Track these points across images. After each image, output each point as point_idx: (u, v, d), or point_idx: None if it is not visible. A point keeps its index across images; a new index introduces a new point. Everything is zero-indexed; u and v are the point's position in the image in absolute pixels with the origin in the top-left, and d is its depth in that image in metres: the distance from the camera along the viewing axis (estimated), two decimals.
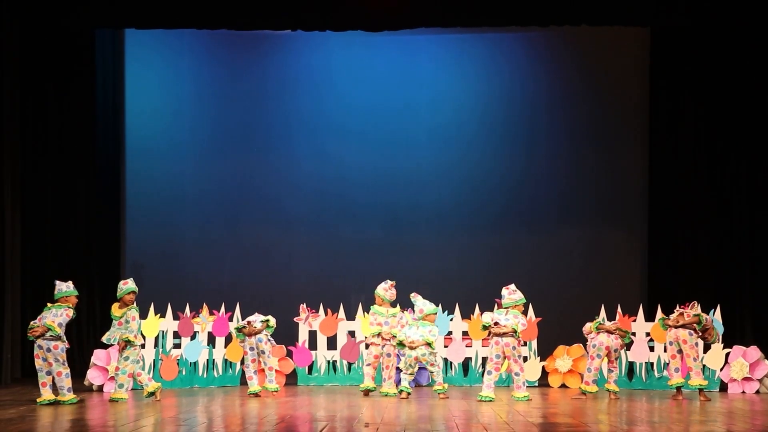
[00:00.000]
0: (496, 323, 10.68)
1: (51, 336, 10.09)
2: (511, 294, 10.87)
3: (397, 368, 11.86)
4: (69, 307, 10.32)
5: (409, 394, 10.87)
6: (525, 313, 12.42)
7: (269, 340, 11.26)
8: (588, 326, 11.25)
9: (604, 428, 8.30)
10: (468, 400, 10.53)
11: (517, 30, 14.45)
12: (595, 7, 12.68)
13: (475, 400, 10.43)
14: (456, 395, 11.16)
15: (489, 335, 10.75)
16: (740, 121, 13.60)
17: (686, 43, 14.03)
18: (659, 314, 11.51)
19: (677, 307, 11.15)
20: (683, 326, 10.93)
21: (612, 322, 11.36)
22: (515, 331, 10.61)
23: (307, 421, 8.68)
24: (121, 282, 10.70)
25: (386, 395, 11.14)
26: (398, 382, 11.46)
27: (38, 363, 10.16)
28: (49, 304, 10.40)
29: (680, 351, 10.99)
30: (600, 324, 11.17)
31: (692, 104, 14.11)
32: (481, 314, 11.20)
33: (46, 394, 10.05)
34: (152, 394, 10.45)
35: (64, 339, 10.18)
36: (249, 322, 11.26)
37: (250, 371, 11.14)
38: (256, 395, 10.95)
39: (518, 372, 10.66)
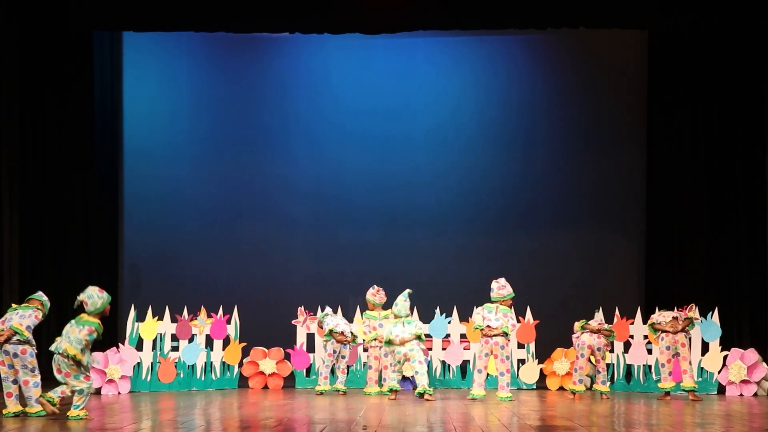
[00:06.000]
0: (488, 326, 10.73)
1: (18, 340, 9.05)
2: (500, 289, 10.90)
3: (404, 377, 11.93)
4: (38, 309, 9.27)
5: (396, 392, 10.84)
6: (523, 315, 12.48)
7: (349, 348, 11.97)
8: (576, 326, 11.27)
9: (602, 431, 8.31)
10: (466, 403, 10.53)
11: (515, 32, 14.45)
12: (593, 10, 12.67)
13: (470, 401, 10.46)
14: (454, 397, 11.17)
15: (482, 336, 10.83)
16: (739, 125, 13.59)
17: (685, 47, 14.00)
18: (652, 318, 11.43)
19: (673, 311, 11.19)
20: (682, 330, 11.01)
21: (597, 322, 11.35)
22: (505, 333, 10.69)
23: (305, 424, 8.68)
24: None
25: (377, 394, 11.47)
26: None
27: (3, 371, 9.12)
28: (14, 305, 9.52)
29: (675, 355, 11.03)
30: (585, 324, 11.18)
31: (690, 107, 14.09)
32: None
33: (12, 406, 9.08)
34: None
35: (33, 343, 9.16)
36: (342, 332, 11.78)
37: (327, 371, 11.76)
38: (338, 392, 11.69)
39: (503, 372, 10.73)
